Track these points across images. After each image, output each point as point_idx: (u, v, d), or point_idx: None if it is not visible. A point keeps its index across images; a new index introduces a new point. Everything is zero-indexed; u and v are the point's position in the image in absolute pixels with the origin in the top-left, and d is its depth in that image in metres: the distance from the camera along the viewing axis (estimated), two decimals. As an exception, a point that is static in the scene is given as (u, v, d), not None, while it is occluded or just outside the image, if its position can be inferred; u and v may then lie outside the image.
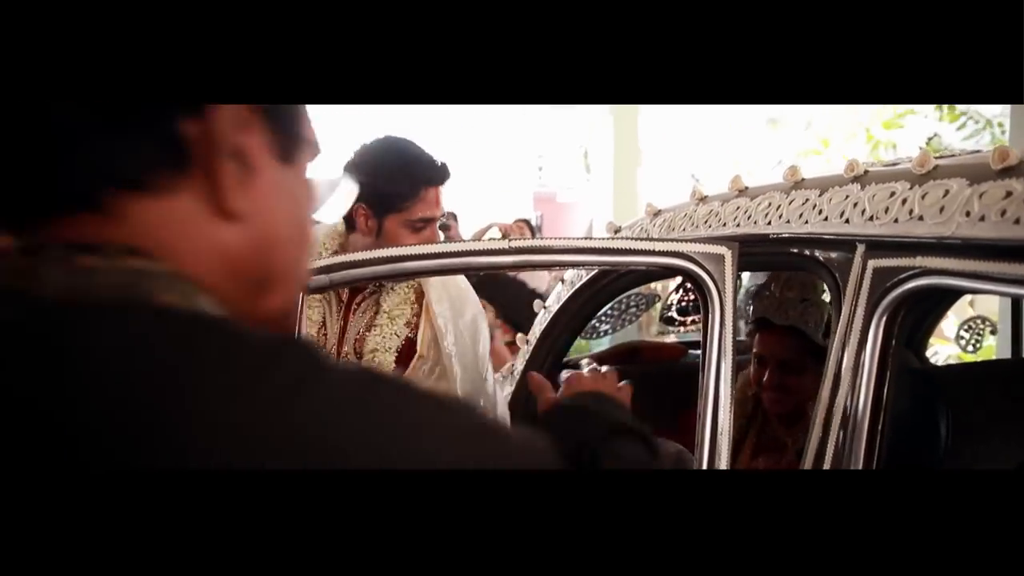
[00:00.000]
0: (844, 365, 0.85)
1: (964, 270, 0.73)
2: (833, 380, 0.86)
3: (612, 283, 1.36)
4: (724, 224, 1.13)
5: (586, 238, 1.04)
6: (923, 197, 0.82)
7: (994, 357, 2.41)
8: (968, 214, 0.75)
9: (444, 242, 5.77)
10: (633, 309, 2.03)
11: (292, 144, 0.41)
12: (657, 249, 1.01)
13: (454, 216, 5.53)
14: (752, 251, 1.05)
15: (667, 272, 1.04)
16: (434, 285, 1.40)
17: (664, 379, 1.79)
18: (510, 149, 8.28)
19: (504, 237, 4.52)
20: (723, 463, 0.93)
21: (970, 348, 2.22)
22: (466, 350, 1.42)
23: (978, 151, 0.96)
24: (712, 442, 0.94)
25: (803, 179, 1.05)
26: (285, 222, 0.41)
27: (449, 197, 1.41)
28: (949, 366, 1.34)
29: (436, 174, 1.38)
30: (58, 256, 0.35)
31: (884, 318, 0.82)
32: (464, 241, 0.96)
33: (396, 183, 1.36)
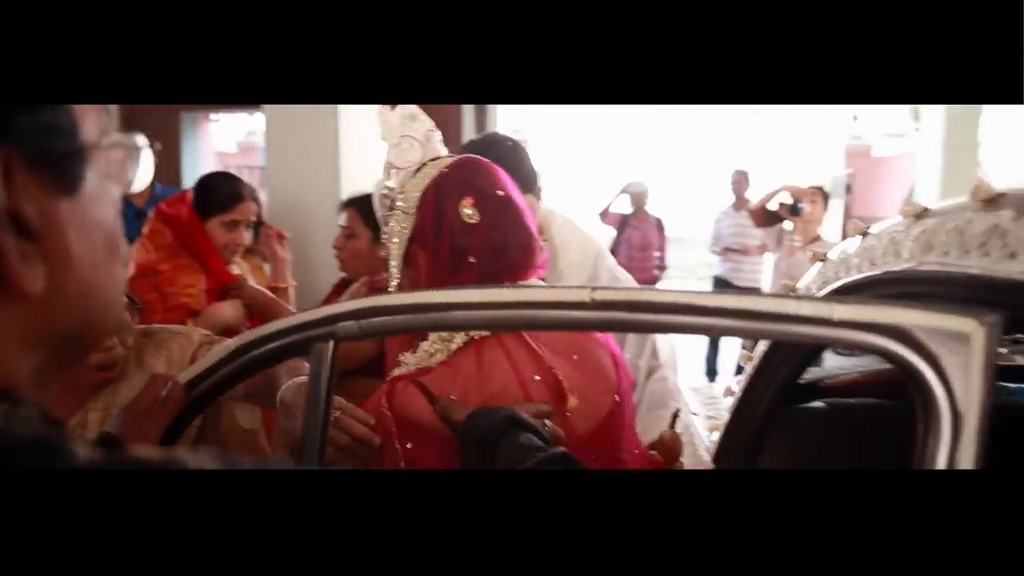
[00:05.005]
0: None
1: None
2: None
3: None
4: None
5: (736, 294, 0.75)
6: None
7: None
8: None
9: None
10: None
11: None
12: (838, 319, 0.63)
13: (745, 175, 5.18)
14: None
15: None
16: None
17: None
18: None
19: (795, 203, 4.12)
20: None
21: None
22: None
23: None
24: None
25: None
26: None
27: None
28: None
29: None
30: None
31: None
32: (547, 286, 0.88)
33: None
